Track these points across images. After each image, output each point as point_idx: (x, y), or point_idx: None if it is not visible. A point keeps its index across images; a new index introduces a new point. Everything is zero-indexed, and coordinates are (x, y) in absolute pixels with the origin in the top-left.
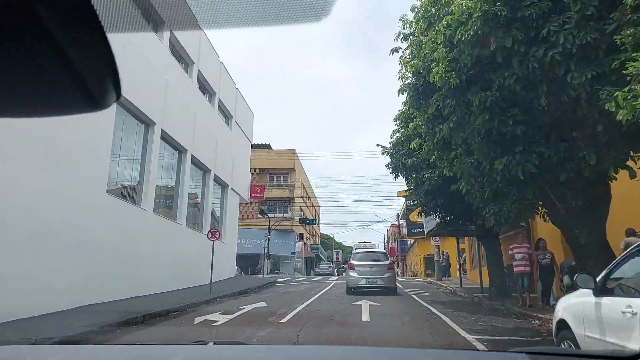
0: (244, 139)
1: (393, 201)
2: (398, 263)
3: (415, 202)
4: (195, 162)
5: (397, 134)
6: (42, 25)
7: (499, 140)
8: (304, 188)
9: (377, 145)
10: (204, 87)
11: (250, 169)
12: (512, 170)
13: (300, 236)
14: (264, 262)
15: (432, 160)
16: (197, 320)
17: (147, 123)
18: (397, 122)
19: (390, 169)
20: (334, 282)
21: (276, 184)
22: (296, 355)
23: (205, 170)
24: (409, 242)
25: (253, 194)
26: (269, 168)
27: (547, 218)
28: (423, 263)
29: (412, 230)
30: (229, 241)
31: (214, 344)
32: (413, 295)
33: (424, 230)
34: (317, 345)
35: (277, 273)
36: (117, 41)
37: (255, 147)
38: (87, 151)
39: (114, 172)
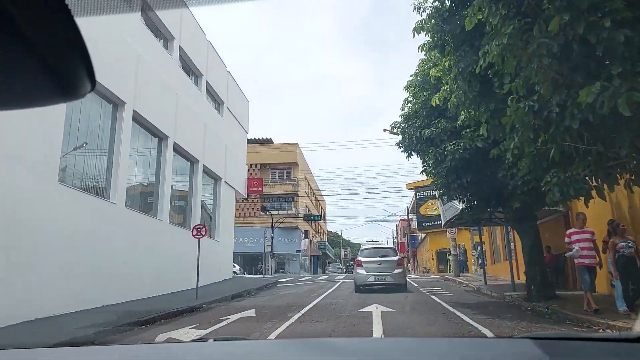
0: (239, 128)
1: (402, 195)
2: (409, 259)
3: (437, 183)
4: (180, 151)
5: (410, 104)
6: (5, 13)
7: (582, 60)
8: (308, 183)
9: (385, 130)
10: (188, 67)
11: (251, 164)
12: (603, 107)
13: (306, 233)
14: (267, 261)
15: (461, 120)
16: (160, 337)
17: (115, 103)
18: (410, 90)
19: (402, 148)
20: (340, 281)
21: (279, 179)
22: (299, 349)
23: (192, 160)
24: (419, 237)
25: (250, 188)
26: (270, 163)
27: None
28: (435, 258)
29: (423, 224)
30: (225, 239)
31: (214, 340)
32: (433, 297)
33: (440, 222)
34: (320, 339)
35: (282, 272)
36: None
37: (255, 141)
38: (32, 133)
39: (78, 163)
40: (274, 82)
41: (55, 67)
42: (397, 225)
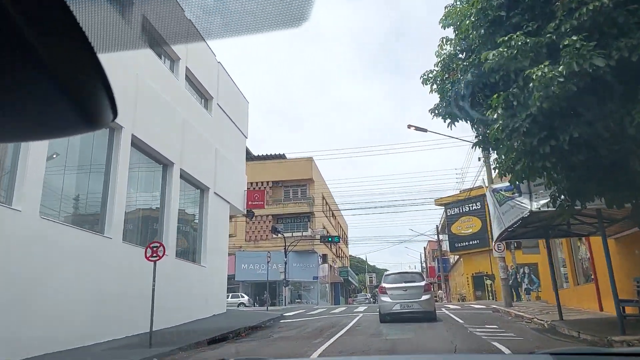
0: (235, 131)
1: (430, 211)
2: (440, 284)
3: (505, 153)
4: (142, 147)
5: (448, 46)
6: (29, 48)
7: None
8: (326, 202)
9: (409, 126)
10: (159, 45)
11: (262, 182)
12: None
13: (324, 258)
14: (281, 290)
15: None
16: None
17: None
18: (451, 21)
19: (440, 111)
20: (360, 315)
21: (293, 198)
22: None
23: (165, 163)
24: (451, 260)
25: (250, 203)
26: (283, 180)
27: None
28: (471, 283)
29: (456, 245)
30: (215, 264)
31: None
32: (496, 343)
33: (476, 242)
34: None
35: (298, 302)
36: None
37: (266, 157)
38: None
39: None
40: (292, 108)
41: (78, 97)
42: (425, 248)
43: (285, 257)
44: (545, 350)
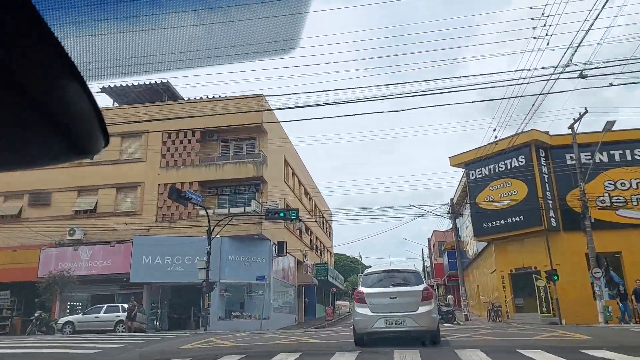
0: None
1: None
2: (451, 288)
3: None
4: None
5: None
6: (15, 80)
7: None
8: (289, 165)
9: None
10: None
11: (186, 130)
12: None
13: (281, 247)
14: (212, 297)
15: None
16: None
17: None
18: None
19: None
20: None
21: (234, 154)
22: None
23: None
24: (469, 252)
25: None
26: (219, 129)
27: None
28: (509, 285)
29: (484, 226)
30: None
31: None
32: None
33: (520, 218)
34: None
35: (236, 318)
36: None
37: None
38: None
39: None
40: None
41: (68, 126)
42: (429, 240)
43: (208, 245)
44: None
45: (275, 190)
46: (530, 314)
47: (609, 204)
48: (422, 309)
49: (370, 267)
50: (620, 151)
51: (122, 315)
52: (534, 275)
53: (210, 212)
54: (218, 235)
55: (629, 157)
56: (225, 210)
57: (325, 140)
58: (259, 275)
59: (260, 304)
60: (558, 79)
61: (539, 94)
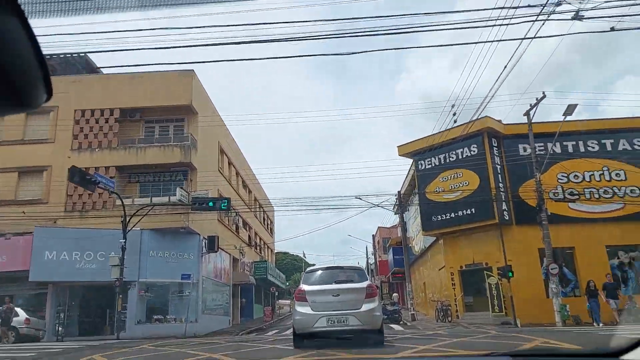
0: None
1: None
2: (395, 286)
3: None
4: None
5: None
6: None
7: None
8: (223, 152)
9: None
10: None
11: (104, 109)
12: None
13: (212, 242)
14: (130, 298)
15: None
16: None
17: None
18: None
19: None
20: None
21: (159, 137)
22: None
23: None
24: (416, 247)
25: None
26: (143, 108)
27: None
28: (458, 283)
29: (433, 219)
30: None
31: None
32: None
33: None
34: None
35: (158, 322)
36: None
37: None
38: None
39: None
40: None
41: (12, 78)
42: (374, 237)
43: (123, 239)
44: (504, 352)
45: (207, 179)
46: (481, 313)
47: (563, 197)
48: (366, 307)
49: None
50: (574, 142)
51: None
52: (485, 272)
53: (129, 201)
54: (137, 228)
55: (582, 149)
56: (148, 200)
57: (265, 130)
58: (184, 274)
59: (187, 306)
60: (547, 19)
61: (523, 38)
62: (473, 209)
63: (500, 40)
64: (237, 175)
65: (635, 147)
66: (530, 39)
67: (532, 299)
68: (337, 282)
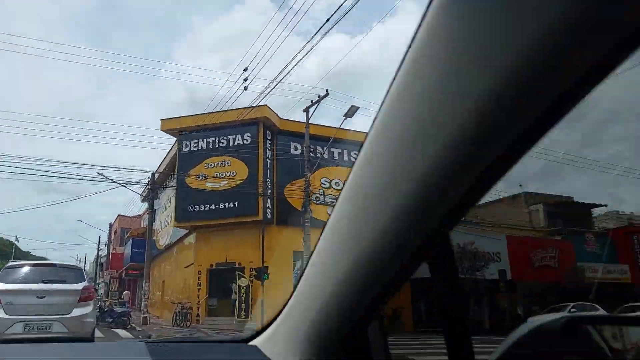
0: None
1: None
2: (128, 283)
3: None
4: None
5: None
6: None
7: None
8: None
9: None
10: None
11: None
12: None
13: None
14: None
15: None
16: None
17: None
18: None
19: None
20: None
21: None
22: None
23: None
24: (160, 241)
25: None
26: None
27: None
28: (205, 282)
29: (190, 209)
30: None
31: None
32: None
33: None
34: None
35: None
36: None
37: None
38: None
39: None
40: None
41: None
42: (111, 225)
43: None
44: (141, 339)
45: None
46: (224, 317)
47: (324, 202)
48: (77, 312)
49: (29, 253)
50: (340, 150)
51: None
52: (237, 272)
53: None
54: None
55: (345, 158)
56: None
57: None
58: None
59: None
60: None
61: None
62: (236, 203)
63: None
64: None
65: None
66: None
67: (282, 304)
68: (45, 282)
